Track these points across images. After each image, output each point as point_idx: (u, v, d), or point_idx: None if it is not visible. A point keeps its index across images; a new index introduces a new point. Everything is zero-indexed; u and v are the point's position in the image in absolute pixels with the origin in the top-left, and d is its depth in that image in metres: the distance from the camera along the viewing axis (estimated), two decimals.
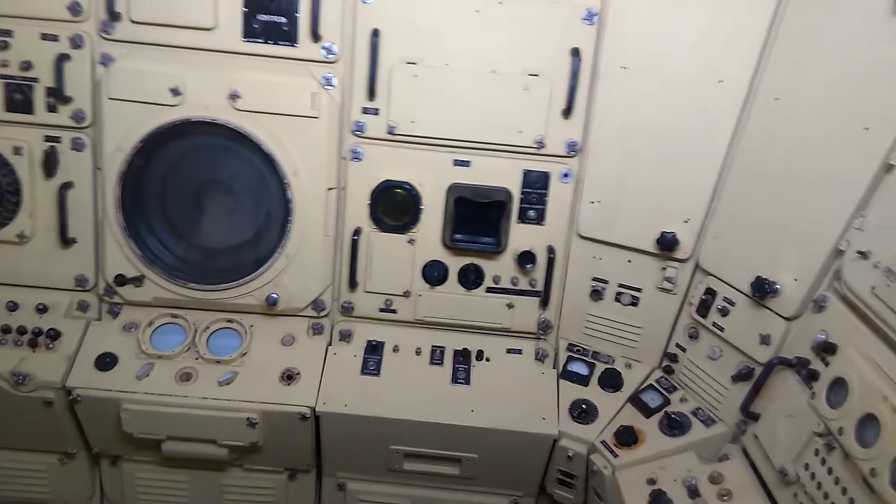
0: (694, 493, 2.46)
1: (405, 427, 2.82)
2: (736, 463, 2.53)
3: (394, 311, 3.04)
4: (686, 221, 2.71)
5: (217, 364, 2.87)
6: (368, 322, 3.07)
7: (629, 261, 2.87)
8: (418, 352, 3.01)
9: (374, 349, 3.01)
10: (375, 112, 2.78)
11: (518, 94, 2.71)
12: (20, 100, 2.75)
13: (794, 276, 2.35)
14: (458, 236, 2.89)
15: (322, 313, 3.03)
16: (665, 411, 2.78)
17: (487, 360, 3.00)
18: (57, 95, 2.73)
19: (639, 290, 2.90)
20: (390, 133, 2.79)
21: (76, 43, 2.69)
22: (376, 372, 2.94)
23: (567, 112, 2.72)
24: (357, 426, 2.84)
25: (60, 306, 2.96)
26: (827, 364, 2.18)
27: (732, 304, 2.59)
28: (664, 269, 2.81)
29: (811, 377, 2.23)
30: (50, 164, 2.80)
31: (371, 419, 2.81)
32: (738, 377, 2.58)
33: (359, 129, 2.81)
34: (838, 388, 2.07)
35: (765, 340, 2.46)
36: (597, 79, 2.70)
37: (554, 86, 2.70)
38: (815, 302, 2.29)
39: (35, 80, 2.73)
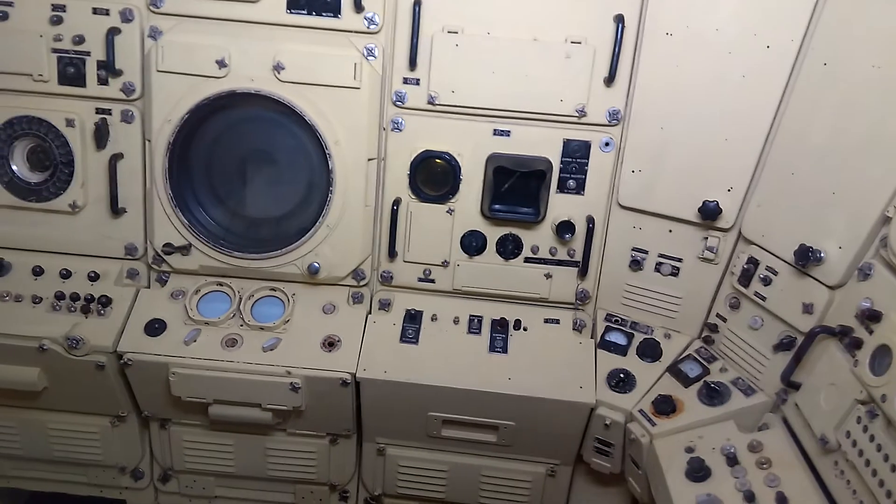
0: (732, 461, 2.45)
1: (443, 394, 2.86)
2: (776, 432, 2.52)
3: (432, 281, 3.07)
4: (729, 190, 2.68)
5: (261, 330, 2.94)
6: (407, 291, 3.11)
7: (670, 230, 2.85)
8: (456, 321, 3.04)
9: (412, 318, 3.04)
10: (416, 82, 2.80)
11: (559, 61, 2.69)
12: (73, 73, 2.81)
13: (838, 243, 2.32)
14: (496, 206, 2.90)
15: (362, 282, 3.07)
16: (704, 381, 2.76)
17: (525, 329, 3.01)
18: (107, 68, 2.79)
19: (679, 259, 2.88)
20: (430, 103, 2.81)
21: (126, 17, 2.75)
22: (415, 340, 2.98)
23: (610, 80, 2.70)
24: (396, 392, 2.88)
25: (111, 274, 3.04)
26: (871, 332, 2.15)
27: (775, 273, 2.56)
28: (706, 238, 2.79)
29: (854, 345, 2.20)
30: (101, 135, 2.87)
31: (410, 385, 2.85)
32: (780, 347, 2.56)
33: (399, 100, 2.83)
34: (882, 355, 2.04)
35: (807, 309, 2.43)
36: (640, 45, 2.67)
37: (597, 53, 2.68)
38: (861, 270, 2.25)
39: (87, 53, 2.79)
